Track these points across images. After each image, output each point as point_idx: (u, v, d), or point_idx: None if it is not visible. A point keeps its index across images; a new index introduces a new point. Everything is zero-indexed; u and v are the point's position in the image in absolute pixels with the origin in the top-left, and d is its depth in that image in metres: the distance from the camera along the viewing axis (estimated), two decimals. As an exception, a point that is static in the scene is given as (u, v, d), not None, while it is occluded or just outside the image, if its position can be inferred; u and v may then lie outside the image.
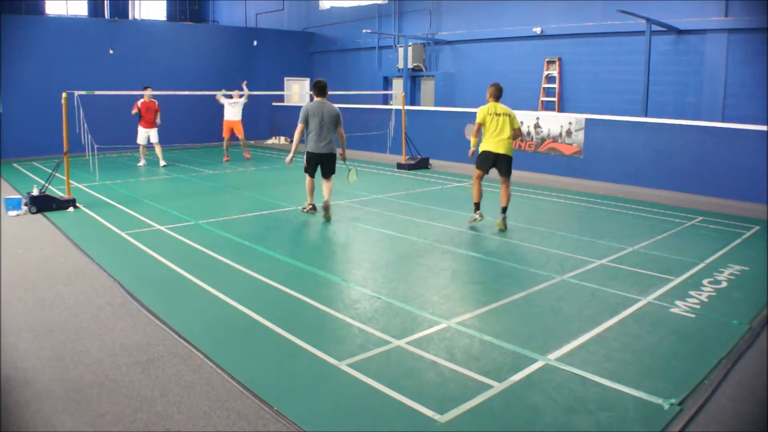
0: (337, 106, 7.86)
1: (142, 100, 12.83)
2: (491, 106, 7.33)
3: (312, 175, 8.05)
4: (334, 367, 3.68)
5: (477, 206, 7.56)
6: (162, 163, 13.28)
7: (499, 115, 7.27)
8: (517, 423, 3.12)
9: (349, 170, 8.50)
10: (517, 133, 7.36)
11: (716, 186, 9.87)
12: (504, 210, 7.36)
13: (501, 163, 7.32)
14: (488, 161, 7.37)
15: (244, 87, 14.06)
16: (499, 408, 3.25)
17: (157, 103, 13.09)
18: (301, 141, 7.92)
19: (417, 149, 13.33)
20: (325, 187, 7.96)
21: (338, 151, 8.04)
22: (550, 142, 12.36)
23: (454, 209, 8.65)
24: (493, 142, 7.28)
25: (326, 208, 7.85)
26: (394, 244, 6.86)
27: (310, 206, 8.23)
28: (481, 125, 7.32)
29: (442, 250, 6.51)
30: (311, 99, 7.92)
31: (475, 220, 7.53)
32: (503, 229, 7.28)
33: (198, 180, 11.58)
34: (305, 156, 7.92)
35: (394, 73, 17.72)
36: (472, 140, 7.42)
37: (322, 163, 7.91)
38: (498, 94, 7.39)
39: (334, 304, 4.79)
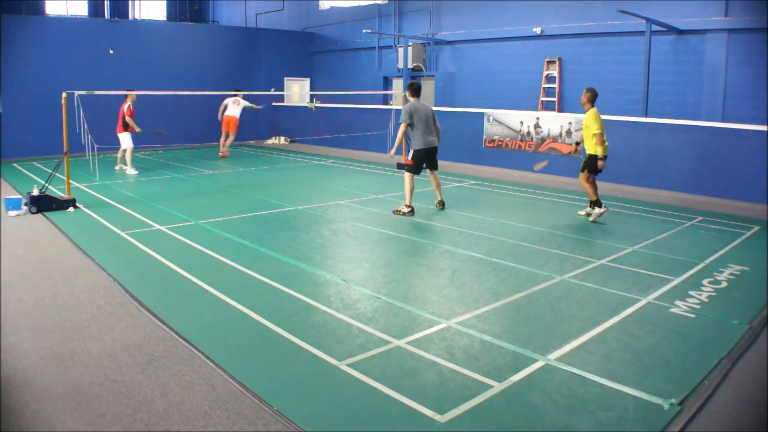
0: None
1: (129, 104, 12.05)
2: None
3: (418, 173, 8.32)
4: (334, 367, 3.68)
5: (596, 202, 7.95)
6: (132, 171, 12.25)
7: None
8: (517, 423, 3.12)
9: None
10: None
11: (716, 186, 9.86)
12: None
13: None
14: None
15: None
16: (499, 408, 3.25)
17: None
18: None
19: (417, 149, 13.30)
20: (434, 182, 8.60)
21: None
22: (550, 142, 12.35)
23: (454, 209, 8.65)
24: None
25: (442, 204, 8.56)
26: (394, 243, 6.87)
27: (409, 209, 8.17)
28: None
29: (442, 250, 6.51)
30: (406, 100, 8.36)
31: (601, 214, 7.91)
32: None
33: (198, 180, 11.57)
34: (412, 154, 8.26)
35: (394, 73, 17.70)
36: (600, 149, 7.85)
37: (429, 157, 8.32)
38: (593, 100, 7.88)
39: (334, 304, 4.79)
